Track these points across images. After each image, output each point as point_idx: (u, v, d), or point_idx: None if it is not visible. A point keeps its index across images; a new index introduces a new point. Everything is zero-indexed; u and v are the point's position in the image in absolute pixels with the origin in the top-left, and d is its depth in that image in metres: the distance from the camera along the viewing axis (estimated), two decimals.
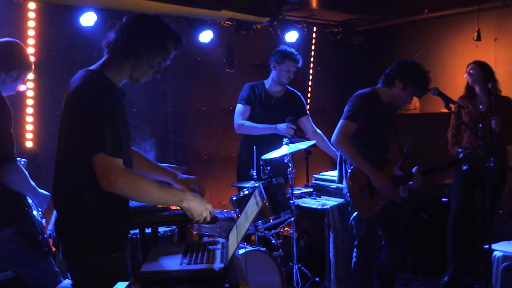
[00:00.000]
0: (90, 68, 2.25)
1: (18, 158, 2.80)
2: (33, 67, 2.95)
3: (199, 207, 2.24)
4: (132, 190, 2.10)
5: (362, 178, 3.63)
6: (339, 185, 4.38)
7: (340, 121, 3.71)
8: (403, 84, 3.70)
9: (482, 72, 4.39)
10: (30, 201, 2.86)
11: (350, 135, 3.66)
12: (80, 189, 2.13)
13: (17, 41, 2.95)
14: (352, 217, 3.76)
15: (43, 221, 2.96)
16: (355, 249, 3.82)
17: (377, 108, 3.73)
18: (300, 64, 4.50)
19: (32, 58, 3.04)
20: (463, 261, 4.56)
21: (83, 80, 2.16)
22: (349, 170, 3.64)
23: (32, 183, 2.80)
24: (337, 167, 3.94)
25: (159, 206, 2.48)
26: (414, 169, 3.72)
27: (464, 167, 3.83)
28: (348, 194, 3.63)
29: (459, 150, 3.91)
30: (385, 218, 3.72)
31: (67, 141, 2.17)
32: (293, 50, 4.48)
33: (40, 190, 2.85)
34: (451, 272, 4.53)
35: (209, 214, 2.27)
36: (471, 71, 4.48)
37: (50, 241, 2.90)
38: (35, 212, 2.87)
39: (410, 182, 3.76)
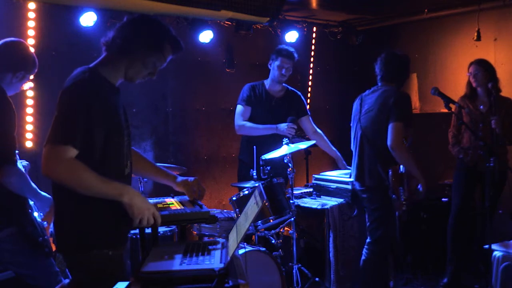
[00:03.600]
0: (87, 65, 2.27)
1: (20, 161, 2.80)
2: (37, 65, 2.95)
3: (141, 204, 2.14)
4: (70, 179, 2.06)
5: (399, 178, 3.63)
6: (339, 185, 4.39)
7: (395, 124, 3.59)
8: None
9: (486, 74, 4.37)
10: (31, 202, 2.86)
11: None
12: None
13: (21, 40, 2.95)
14: (397, 224, 3.73)
15: (45, 223, 2.96)
16: (366, 247, 3.82)
17: None
18: (294, 60, 4.46)
19: (32, 51, 3.03)
20: (463, 261, 4.56)
21: (72, 76, 2.20)
22: (390, 171, 3.62)
23: (33, 185, 2.80)
24: (356, 164, 3.89)
25: (159, 206, 2.48)
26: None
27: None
28: (394, 197, 3.62)
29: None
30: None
31: None
32: (288, 47, 4.46)
33: (42, 193, 2.85)
34: (451, 272, 4.53)
35: (151, 217, 2.17)
36: (475, 72, 4.42)
37: (51, 240, 2.91)
38: (36, 214, 2.87)
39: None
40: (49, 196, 2.83)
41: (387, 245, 3.77)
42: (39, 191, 2.83)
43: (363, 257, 3.84)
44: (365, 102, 3.86)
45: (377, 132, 3.72)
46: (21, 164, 2.83)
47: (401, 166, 3.71)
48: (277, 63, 4.42)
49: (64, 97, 2.13)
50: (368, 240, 3.83)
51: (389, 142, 3.60)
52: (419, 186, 3.73)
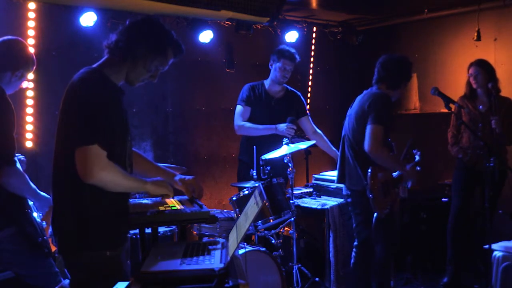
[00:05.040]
0: (91, 66, 2.28)
1: (16, 154, 2.79)
2: (35, 63, 2.95)
3: (161, 185, 2.36)
4: (109, 181, 2.12)
5: (379, 178, 3.59)
6: (339, 185, 4.38)
7: (372, 126, 3.53)
8: (406, 83, 3.71)
9: (487, 75, 4.36)
10: (30, 203, 2.86)
11: (382, 140, 3.54)
12: (75, 184, 2.13)
13: (19, 38, 2.94)
14: (374, 223, 3.61)
15: (44, 223, 2.95)
16: (354, 250, 3.82)
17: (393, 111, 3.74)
18: (296, 62, 4.46)
19: (32, 51, 3.03)
20: (463, 261, 4.56)
21: (80, 76, 2.21)
22: (369, 170, 3.54)
23: (33, 186, 2.79)
24: (338, 167, 3.90)
25: (159, 206, 2.48)
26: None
27: (418, 168, 3.79)
28: (371, 196, 3.53)
29: (414, 151, 3.89)
30: (387, 219, 3.71)
31: (60, 135, 2.21)
32: (290, 49, 4.45)
33: (42, 194, 2.85)
34: (451, 272, 4.54)
35: (171, 190, 2.40)
36: (476, 74, 4.40)
37: (50, 241, 2.90)
38: (35, 214, 2.87)
39: (407, 183, 3.77)
40: (49, 196, 2.82)
41: (372, 248, 3.75)
42: (38, 191, 2.83)
43: (352, 260, 3.84)
44: (353, 104, 3.86)
45: (355, 133, 3.69)
46: (17, 160, 2.82)
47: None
48: (279, 64, 4.42)
49: (79, 99, 2.14)
50: (355, 243, 3.83)
51: (365, 146, 3.53)
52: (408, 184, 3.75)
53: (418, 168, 3.76)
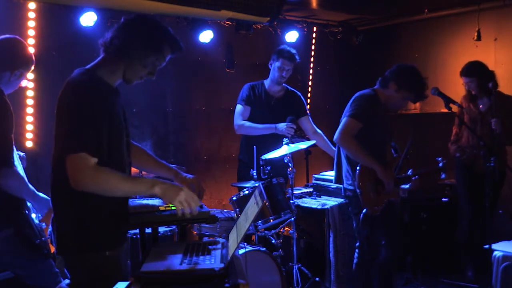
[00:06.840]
0: (85, 67, 2.26)
1: (16, 152, 2.78)
2: (34, 61, 2.94)
3: (173, 189, 2.14)
4: (100, 187, 2.07)
5: (369, 175, 3.61)
6: (339, 185, 4.39)
7: (344, 119, 3.62)
8: (397, 87, 3.68)
9: (480, 80, 4.33)
10: (29, 204, 2.85)
11: (354, 133, 3.58)
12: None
13: (18, 37, 2.92)
14: (361, 218, 3.66)
15: (43, 224, 2.95)
16: (356, 250, 3.82)
17: (379, 111, 3.71)
18: (295, 62, 4.45)
19: (32, 51, 3.01)
20: (463, 261, 4.57)
21: (71, 80, 2.19)
22: (358, 168, 3.59)
23: (31, 187, 2.78)
24: (334, 167, 3.91)
25: (160, 207, 2.48)
26: (410, 172, 3.75)
27: (443, 176, 3.82)
28: (358, 192, 3.58)
29: (438, 159, 3.89)
30: (386, 218, 3.72)
31: (55, 137, 2.20)
32: (290, 49, 4.45)
33: (41, 195, 2.84)
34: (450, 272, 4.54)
35: (190, 198, 2.13)
36: (469, 83, 4.39)
37: (50, 241, 2.90)
38: (33, 215, 2.86)
39: (407, 185, 3.77)
40: (47, 197, 2.82)
41: (374, 248, 3.75)
42: (37, 192, 2.82)
43: (354, 260, 3.85)
44: None
45: None
46: (18, 156, 2.82)
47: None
48: (277, 64, 4.42)
49: (68, 103, 2.12)
50: (357, 243, 3.84)
51: (334, 136, 3.64)
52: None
53: (443, 176, 3.79)
